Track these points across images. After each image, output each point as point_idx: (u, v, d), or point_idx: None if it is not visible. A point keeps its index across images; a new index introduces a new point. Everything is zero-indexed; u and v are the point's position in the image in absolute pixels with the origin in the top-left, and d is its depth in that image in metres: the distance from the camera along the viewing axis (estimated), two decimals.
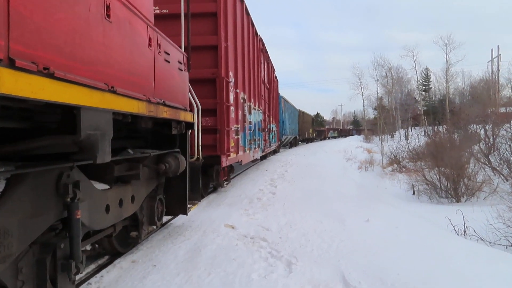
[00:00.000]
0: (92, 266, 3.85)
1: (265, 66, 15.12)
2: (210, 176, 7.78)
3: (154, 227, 4.45)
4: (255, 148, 11.45)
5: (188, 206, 5.02)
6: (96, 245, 3.60)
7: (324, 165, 19.47)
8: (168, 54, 3.62)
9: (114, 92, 2.39)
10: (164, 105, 3.45)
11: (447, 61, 55.99)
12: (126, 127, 3.86)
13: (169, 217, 5.82)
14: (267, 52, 15.43)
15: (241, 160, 9.11)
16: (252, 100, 10.78)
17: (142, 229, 3.98)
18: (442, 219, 10.16)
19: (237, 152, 8.39)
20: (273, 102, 18.27)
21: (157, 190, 4.33)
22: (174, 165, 4.03)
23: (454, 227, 7.98)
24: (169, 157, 4.03)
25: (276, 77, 20.22)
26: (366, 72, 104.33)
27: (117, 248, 3.99)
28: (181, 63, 4.15)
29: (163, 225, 5.45)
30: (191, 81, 5.58)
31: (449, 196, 15.71)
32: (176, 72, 3.90)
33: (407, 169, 23.34)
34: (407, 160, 25.69)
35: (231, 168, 8.98)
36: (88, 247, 3.51)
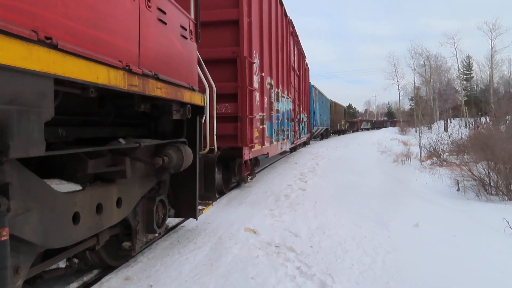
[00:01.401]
0: (74, 285, 3.07)
1: (295, 51, 14.04)
2: (232, 170, 6.93)
3: (156, 234, 3.64)
4: (283, 139, 10.48)
5: (200, 208, 4.18)
6: (75, 260, 2.82)
7: (357, 159, 18.35)
8: (164, 13, 2.74)
9: (53, 46, 1.54)
10: (157, 79, 2.58)
11: (492, 48, 52.26)
12: (118, 111, 3.03)
13: (181, 219, 5.01)
14: (297, 36, 14.33)
15: (267, 153, 8.20)
16: (280, 87, 9.80)
17: (136, 239, 3.16)
18: (496, 220, 8.97)
19: (263, 144, 7.48)
20: (303, 91, 17.17)
21: (159, 189, 3.51)
22: (176, 158, 3.18)
23: None
24: (170, 149, 3.18)
25: (307, 64, 19.05)
26: (402, 61, 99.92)
27: (107, 262, 3.20)
28: (186, 30, 3.26)
29: (171, 228, 4.65)
30: (207, 62, 4.72)
31: (500, 193, 14.11)
32: (178, 39, 3.03)
33: (448, 162, 21.70)
34: (447, 153, 24.01)
35: (256, 161, 8.09)
36: (62, 264, 2.73)
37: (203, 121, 4.22)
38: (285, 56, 10.96)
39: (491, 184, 14.38)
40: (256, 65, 6.87)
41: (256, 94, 6.83)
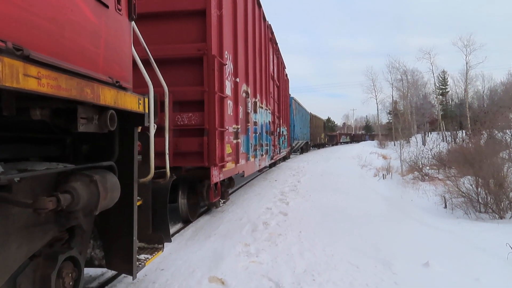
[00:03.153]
0: None
1: (275, 60, 13.07)
2: (200, 194, 5.73)
3: None
4: (262, 155, 9.36)
5: (142, 258, 2.95)
6: None
7: (339, 173, 17.49)
8: None
9: None
10: (25, 58, 1.41)
11: (466, 63, 53.26)
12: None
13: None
14: (276, 43, 13.39)
15: (243, 171, 7.04)
16: (258, 97, 8.72)
17: None
18: (496, 244, 8.11)
19: (237, 161, 6.32)
20: (283, 103, 16.19)
21: (69, 240, 2.29)
22: (87, 195, 1.99)
23: None
24: (76, 180, 1.99)
25: (286, 75, 18.15)
26: (380, 76, 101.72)
27: None
28: None
29: (105, 283, 3.38)
30: (164, 61, 3.59)
31: (490, 210, 13.38)
32: (87, 4, 1.87)
33: (430, 177, 21.20)
34: (428, 167, 23.63)
35: (229, 182, 6.91)
36: None
37: (151, 135, 3.05)
38: (264, 63, 9.94)
39: (480, 201, 13.70)
40: (229, 68, 5.76)
41: (229, 103, 5.71)
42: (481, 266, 4.72)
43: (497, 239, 8.94)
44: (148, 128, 2.99)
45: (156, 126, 3.03)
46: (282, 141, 15.24)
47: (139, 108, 2.60)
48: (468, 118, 46.55)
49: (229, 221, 6.13)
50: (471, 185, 14.38)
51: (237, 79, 6.24)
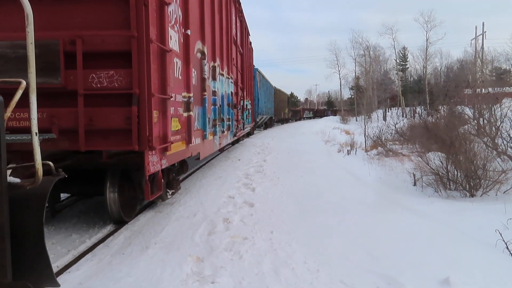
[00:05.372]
0: None
1: (237, 22, 11.40)
2: (138, 184, 4.21)
3: None
4: (223, 131, 7.88)
5: None
6: None
7: (306, 151, 16.51)
8: None
9: None
10: None
11: (427, 40, 53.80)
12: None
13: None
14: (240, 4, 11.68)
15: (198, 153, 5.55)
16: (218, 61, 7.15)
17: None
18: (472, 225, 7.59)
19: (189, 141, 4.81)
20: (247, 74, 14.61)
21: None
22: None
23: None
24: None
25: (251, 43, 16.48)
26: (343, 51, 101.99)
27: None
28: None
29: None
30: None
31: (460, 188, 12.90)
32: None
33: (394, 152, 20.90)
34: (391, 143, 23.44)
35: (181, 167, 5.40)
36: None
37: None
38: (225, 22, 8.30)
39: (450, 178, 13.20)
40: (176, 14, 4.16)
41: (176, 61, 4.14)
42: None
43: (467, 215, 8.43)
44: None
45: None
46: (246, 115, 13.79)
47: None
48: (427, 94, 47.35)
49: (179, 218, 4.67)
50: (441, 162, 13.86)
51: (188, 31, 4.64)
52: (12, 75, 2.04)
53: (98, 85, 3.25)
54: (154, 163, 3.56)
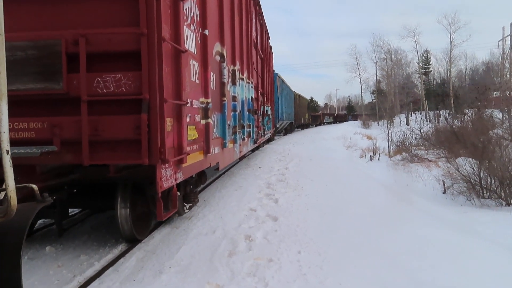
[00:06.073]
0: None
1: (257, 26, 11.02)
2: (151, 199, 3.84)
3: None
4: (244, 138, 7.47)
5: None
6: None
7: (328, 157, 15.97)
8: None
9: None
10: None
11: (451, 42, 52.09)
12: None
13: None
14: (260, 7, 11.31)
15: (217, 163, 5.15)
16: (237, 65, 6.77)
17: None
18: None
19: (207, 151, 4.41)
20: (267, 78, 14.21)
21: None
22: None
23: None
24: None
25: (271, 47, 16.09)
26: (364, 55, 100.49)
27: None
28: None
29: None
30: None
31: (495, 196, 12.08)
32: None
33: (420, 158, 20.10)
34: (415, 148, 22.59)
35: (199, 177, 5.01)
36: None
37: None
38: (245, 25, 7.93)
39: (483, 186, 12.39)
40: (192, 11, 3.79)
41: (192, 63, 3.76)
42: None
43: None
44: None
45: None
46: (267, 121, 13.37)
47: None
48: (451, 98, 45.80)
49: (197, 236, 4.26)
50: (473, 168, 13.09)
51: (206, 32, 4.27)
52: None
53: (104, 90, 2.88)
54: (168, 177, 3.16)
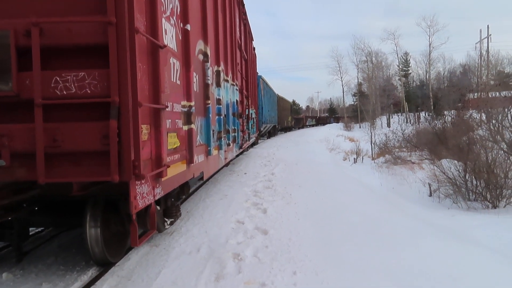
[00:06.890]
0: None
1: (241, 26, 10.62)
2: (127, 216, 3.35)
3: None
4: (229, 144, 7.02)
5: None
6: None
7: (313, 160, 15.77)
8: None
9: None
10: None
11: (430, 44, 53.09)
12: None
13: None
14: (243, 6, 10.91)
15: (201, 172, 4.68)
16: (222, 65, 6.33)
17: None
18: None
19: (190, 160, 3.95)
20: (251, 81, 13.81)
21: None
22: None
23: None
24: None
25: (254, 49, 15.71)
26: (346, 58, 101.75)
27: None
28: None
29: None
30: None
31: (481, 199, 12.02)
32: None
33: (403, 160, 20.16)
34: (397, 150, 22.71)
35: (180, 189, 4.54)
36: None
37: None
38: (229, 23, 7.51)
39: (469, 188, 12.33)
40: (171, 3, 3.34)
41: (172, 61, 3.31)
42: None
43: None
44: None
45: None
46: (251, 125, 12.95)
47: None
48: (431, 99, 46.56)
49: (179, 256, 3.79)
50: (458, 171, 13.04)
51: (188, 27, 3.82)
52: None
53: (64, 92, 2.38)
54: (144, 195, 2.70)
